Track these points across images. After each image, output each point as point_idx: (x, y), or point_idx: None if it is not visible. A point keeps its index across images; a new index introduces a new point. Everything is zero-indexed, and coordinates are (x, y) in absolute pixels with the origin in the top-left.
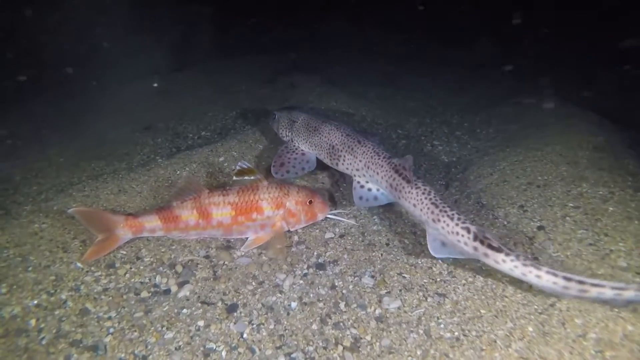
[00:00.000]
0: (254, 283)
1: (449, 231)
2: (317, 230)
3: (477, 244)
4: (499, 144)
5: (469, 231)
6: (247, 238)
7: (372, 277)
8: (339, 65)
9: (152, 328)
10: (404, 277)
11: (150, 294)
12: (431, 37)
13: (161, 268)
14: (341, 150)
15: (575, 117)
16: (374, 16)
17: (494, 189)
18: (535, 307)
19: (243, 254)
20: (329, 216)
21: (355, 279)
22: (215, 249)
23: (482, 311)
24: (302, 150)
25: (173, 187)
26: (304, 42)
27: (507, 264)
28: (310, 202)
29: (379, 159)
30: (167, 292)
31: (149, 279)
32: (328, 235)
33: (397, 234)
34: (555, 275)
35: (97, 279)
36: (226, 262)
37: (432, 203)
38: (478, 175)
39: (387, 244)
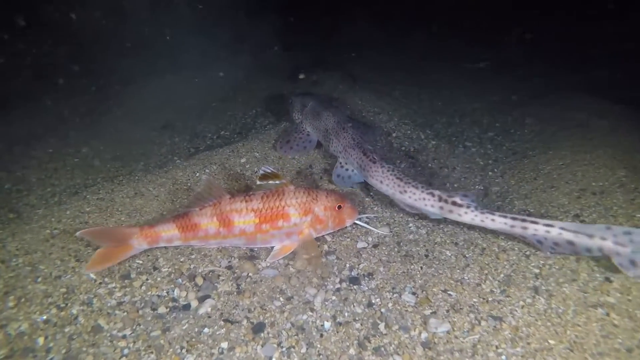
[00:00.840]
0: (281, 298)
1: (416, 199)
2: (349, 239)
3: (442, 203)
4: (538, 145)
5: (433, 195)
6: (272, 247)
7: (414, 293)
8: (360, 63)
9: (171, 350)
10: (450, 294)
11: (168, 310)
12: (455, 34)
13: (180, 280)
14: (331, 135)
15: (610, 115)
16: (395, 12)
17: (540, 195)
18: (619, 340)
19: (268, 265)
20: (357, 223)
21: (395, 295)
22: (238, 259)
23: (551, 342)
24: (307, 131)
25: (192, 191)
26: (324, 40)
27: (468, 215)
28: (339, 207)
29: (353, 143)
30: (187, 307)
31: (167, 292)
32: (360, 244)
33: (437, 244)
34: (505, 217)
35: (110, 292)
36: (250, 274)
37: (397, 178)
38: (520, 179)
39: (427, 256)
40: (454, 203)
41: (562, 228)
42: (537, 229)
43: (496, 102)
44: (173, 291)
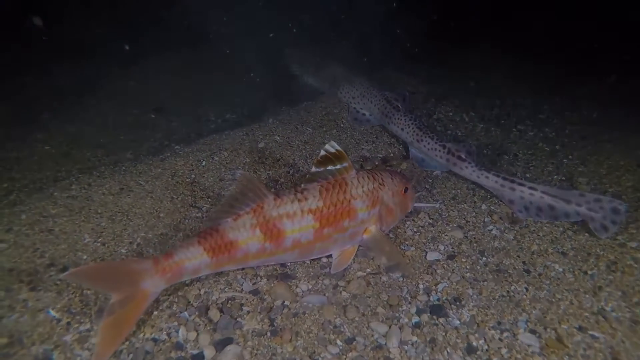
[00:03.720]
0: (339, 342)
1: (429, 148)
2: (413, 248)
3: (449, 156)
4: (608, 129)
5: (444, 147)
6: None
7: (533, 332)
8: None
9: None
10: (592, 336)
11: None
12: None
13: (186, 313)
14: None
15: None
16: None
17: None
18: None
19: (310, 288)
20: (416, 205)
21: (505, 334)
22: (266, 279)
23: None
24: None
25: (196, 185)
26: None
27: (467, 169)
28: (406, 189)
29: (377, 93)
30: (199, 358)
31: (168, 334)
32: (432, 256)
33: (535, 253)
34: (498, 176)
35: (81, 337)
36: (287, 302)
37: (417, 127)
38: (610, 167)
39: (528, 271)
40: (459, 157)
41: (543, 192)
42: (523, 190)
43: (536, 81)
44: (177, 332)
